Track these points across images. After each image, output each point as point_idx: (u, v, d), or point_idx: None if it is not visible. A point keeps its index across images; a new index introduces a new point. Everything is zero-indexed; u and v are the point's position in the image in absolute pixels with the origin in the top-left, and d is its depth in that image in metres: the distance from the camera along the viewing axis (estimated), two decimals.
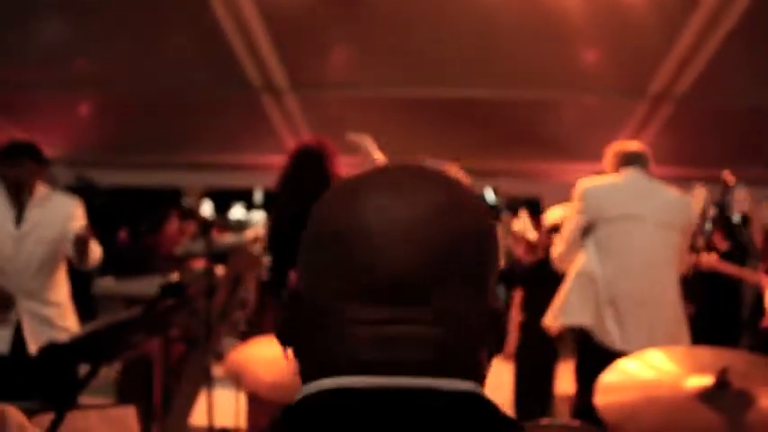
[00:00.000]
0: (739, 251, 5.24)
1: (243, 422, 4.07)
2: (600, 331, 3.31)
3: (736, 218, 5.31)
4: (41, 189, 3.72)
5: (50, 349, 3.45)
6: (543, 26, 5.02)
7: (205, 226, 3.88)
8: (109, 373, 4.03)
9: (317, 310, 0.72)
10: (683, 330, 3.40)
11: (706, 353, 2.15)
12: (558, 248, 3.58)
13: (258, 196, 17.39)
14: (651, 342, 2.91)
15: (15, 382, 3.44)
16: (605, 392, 2.04)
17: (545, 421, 1.96)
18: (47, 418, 1.68)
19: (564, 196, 5.45)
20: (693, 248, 4.31)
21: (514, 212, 5.70)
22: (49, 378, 3.39)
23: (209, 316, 3.23)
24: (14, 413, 1.38)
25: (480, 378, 0.73)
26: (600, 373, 2.13)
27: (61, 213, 3.69)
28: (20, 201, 3.62)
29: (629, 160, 3.50)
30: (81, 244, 3.48)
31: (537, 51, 5.24)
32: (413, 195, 0.71)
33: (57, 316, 3.69)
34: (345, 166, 3.84)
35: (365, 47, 5.56)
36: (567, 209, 5.82)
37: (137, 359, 3.68)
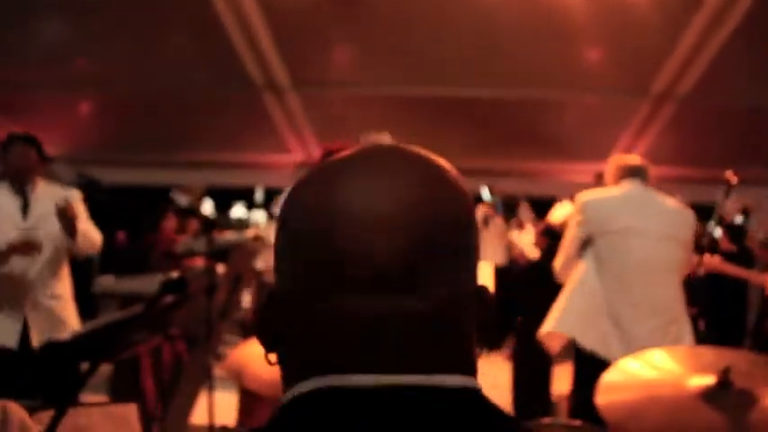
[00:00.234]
0: (745, 253, 5.22)
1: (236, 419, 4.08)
2: (598, 344, 3.29)
3: (738, 219, 5.30)
4: (43, 182, 3.74)
5: (52, 347, 3.45)
6: (545, 26, 5.01)
7: (207, 224, 3.87)
8: (103, 370, 4.03)
9: (300, 307, 0.68)
10: (687, 343, 3.38)
11: (708, 352, 2.13)
12: (558, 260, 3.57)
13: (259, 195, 17.41)
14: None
15: (21, 378, 3.44)
16: (607, 392, 2.03)
17: (547, 421, 1.96)
18: (47, 414, 1.67)
19: (565, 195, 5.45)
20: (697, 249, 4.30)
21: (512, 211, 5.70)
22: (50, 376, 3.39)
23: (209, 314, 3.22)
24: (16, 409, 1.37)
25: (472, 368, 0.70)
26: (596, 382, 2.12)
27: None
28: (24, 192, 3.63)
29: (629, 173, 3.47)
30: (65, 214, 3.46)
31: (538, 51, 5.24)
32: (393, 179, 0.68)
33: (60, 309, 3.69)
34: None
35: (367, 46, 5.56)
36: (564, 209, 5.83)
37: (129, 357, 3.67)
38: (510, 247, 5.48)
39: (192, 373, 3.47)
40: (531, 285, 4.97)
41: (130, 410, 1.97)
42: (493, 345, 0.75)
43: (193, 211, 6.19)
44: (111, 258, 4.72)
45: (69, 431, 1.66)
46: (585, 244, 3.40)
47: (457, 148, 6.29)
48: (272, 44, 5.41)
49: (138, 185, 7.14)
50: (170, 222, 5.72)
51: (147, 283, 4.45)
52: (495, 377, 5.19)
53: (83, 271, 3.90)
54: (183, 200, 7.59)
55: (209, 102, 6.18)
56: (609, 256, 3.32)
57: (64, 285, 3.73)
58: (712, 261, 4.43)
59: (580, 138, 6.12)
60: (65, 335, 3.52)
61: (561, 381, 4.32)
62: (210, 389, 3.30)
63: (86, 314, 4.39)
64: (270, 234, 6.15)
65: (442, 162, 0.73)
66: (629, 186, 3.44)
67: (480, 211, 6.02)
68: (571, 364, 3.59)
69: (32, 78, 5.85)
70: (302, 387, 0.67)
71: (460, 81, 5.61)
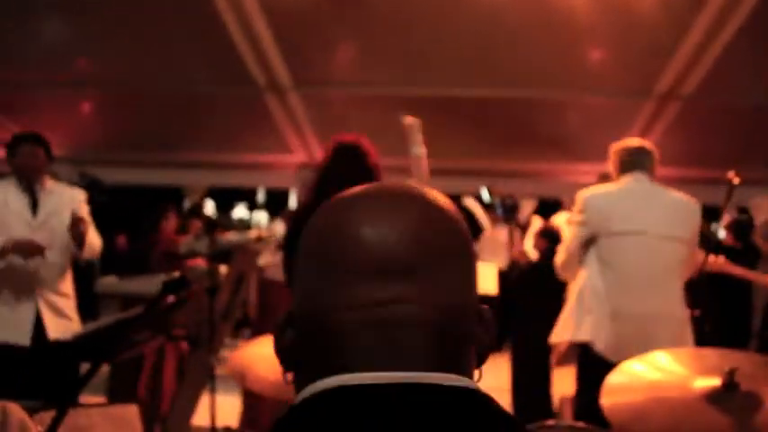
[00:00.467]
0: (750, 250, 5.19)
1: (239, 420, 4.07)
2: (601, 344, 3.28)
3: (743, 217, 5.28)
4: (50, 181, 3.76)
5: (53, 347, 3.45)
6: (547, 25, 4.99)
7: (210, 225, 3.86)
8: (102, 370, 4.03)
9: (310, 312, 0.75)
10: (688, 344, 3.36)
11: (713, 354, 2.12)
12: (559, 257, 3.55)
13: (261, 196, 17.42)
14: None
15: (23, 378, 3.44)
16: (612, 394, 2.02)
17: (550, 423, 1.95)
18: (48, 415, 1.66)
19: (568, 196, 5.44)
20: (701, 249, 4.28)
21: (512, 212, 5.69)
22: (51, 376, 3.39)
23: (211, 315, 3.22)
24: (15, 410, 1.37)
25: (470, 372, 0.75)
26: (600, 385, 2.10)
27: (71, 205, 3.71)
28: (33, 190, 3.65)
29: (631, 164, 3.41)
30: (77, 226, 3.49)
31: (541, 51, 5.22)
32: (399, 204, 0.76)
33: (69, 307, 3.73)
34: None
35: (369, 46, 5.55)
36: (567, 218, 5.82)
37: (129, 358, 3.68)
38: (510, 247, 5.47)
39: (195, 375, 3.47)
40: (531, 287, 4.96)
41: (131, 411, 1.97)
42: (491, 350, 0.80)
43: (196, 211, 6.19)
44: (112, 259, 4.71)
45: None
46: (588, 243, 3.37)
47: (459, 148, 6.28)
48: (273, 44, 5.40)
49: (140, 185, 7.14)
50: (170, 223, 5.70)
51: (149, 284, 4.44)
52: (495, 379, 5.20)
53: (84, 271, 3.91)
54: (185, 201, 7.59)
55: (211, 102, 6.17)
56: (611, 257, 3.30)
57: (69, 284, 3.77)
58: (717, 261, 4.41)
59: (583, 138, 6.10)
60: (70, 334, 3.54)
61: (564, 383, 4.31)
62: (212, 390, 3.30)
63: (88, 314, 4.40)
64: (272, 233, 6.15)
65: (443, 199, 0.81)
66: (631, 181, 3.40)
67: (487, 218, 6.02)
68: (574, 366, 3.57)
69: (33, 78, 5.85)
70: (312, 389, 0.72)
71: (463, 81, 5.60)
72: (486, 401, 0.72)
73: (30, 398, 3.23)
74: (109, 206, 4.21)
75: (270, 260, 5.27)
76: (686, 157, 5.85)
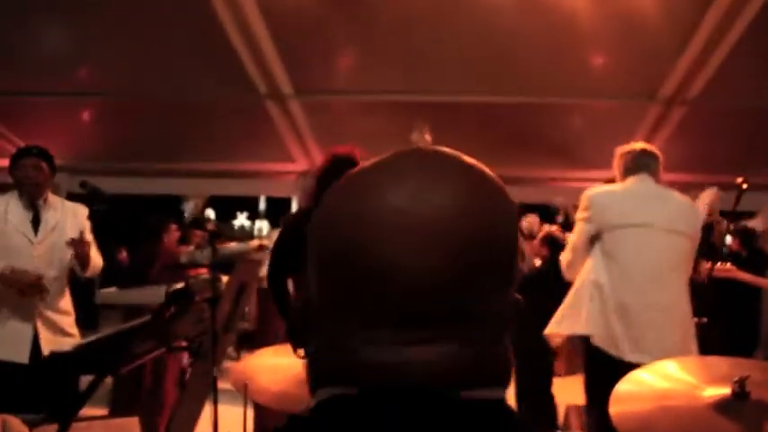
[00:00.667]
0: (756, 256, 5.17)
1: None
2: (607, 340, 3.26)
3: (753, 224, 5.26)
4: (51, 195, 3.73)
5: (53, 359, 3.43)
6: (552, 31, 4.98)
7: (212, 235, 3.84)
8: (105, 382, 4.01)
9: (330, 320, 0.66)
10: (691, 337, 3.35)
11: (721, 363, 2.10)
12: (565, 256, 3.54)
13: (262, 205, 17.41)
14: (659, 349, 2.86)
15: (26, 391, 3.41)
16: (620, 402, 1.99)
17: None
18: (50, 429, 1.65)
19: (573, 202, 5.39)
20: (708, 256, 4.26)
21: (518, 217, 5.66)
22: (52, 389, 3.36)
23: (213, 326, 3.19)
24: (15, 423, 1.35)
25: (501, 382, 0.67)
26: (609, 385, 2.08)
27: (73, 220, 3.69)
28: (35, 206, 3.62)
29: (636, 167, 3.43)
30: (80, 250, 3.47)
31: (545, 56, 5.21)
32: (431, 191, 0.62)
33: (68, 324, 3.69)
34: None
35: (370, 53, 5.54)
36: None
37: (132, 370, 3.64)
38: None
39: (196, 386, 3.44)
40: (532, 294, 4.93)
41: (131, 423, 1.95)
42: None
43: (198, 221, 6.16)
44: (113, 271, 4.69)
45: None
46: (593, 239, 3.37)
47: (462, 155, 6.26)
48: (274, 52, 5.40)
49: (141, 194, 7.11)
50: (171, 236, 5.65)
51: (151, 295, 4.42)
52: None
53: (84, 282, 3.89)
54: (187, 210, 7.56)
55: (212, 110, 6.17)
56: (616, 251, 3.30)
57: (68, 301, 3.73)
58: (725, 268, 4.39)
59: (587, 144, 6.08)
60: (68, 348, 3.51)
61: (571, 392, 4.29)
62: (215, 402, 3.27)
63: (88, 326, 4.37)
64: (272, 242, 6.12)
65: (482, 168, 0.68)
66: (635, 182, 3.41)
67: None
68: (580, 375, 3.55)
69: (33, 87, 5.85)
70: (327, 392, 0.66)
71: (465, 88, 5.59)
72: (509, 413, 0.67)
73: (31, 412, 3.21)
74: (110, 216, 4.19)
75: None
76: (691, 162, 5.82)
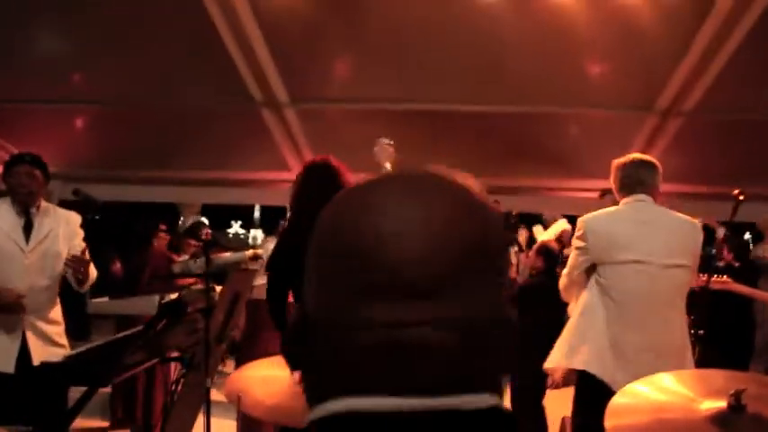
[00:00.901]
0: (749, 268, 5.18)
1: None
2: (601, 372, 3.23)
3: (747, 236, 5.27)
4: (44, 203, 3.70)
5: (44, 370, 3.38)
6: (549, 40, 4.97)
7: (207, 245, 3.82)
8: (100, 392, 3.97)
9: (328, 322, 0.69)
10: (687, 365, 3.32)
11: (718, 376, 2.09)
12: (562, 281, 3.51)
13: (257, 214, 17.40)
14: None
15: (15, 402, 3.37)
16: (616, 415, 1.98)
17: None
18: None
19: (569, 212, 5.39)
20: (704, 269, 4.25)
21: (512, 229, 5.67)
22: (41, 399, 3.32)
23: (207, 336, 3.17)
24: None
25: (498, 388, 0.70)
26: (598, 410, 2.06)
27: (65, 228, 3.65)
28: (27, 213, 3.58)
29: (632, 183, 3.35)
30: (77, 267, 3.44)
31: (542, 66, 5.20)
32: (426, 199, 0.69)
33: (57, 334, 3.65)
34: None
35: (366, 61, 5.54)
36: (559, 225, 5.79)
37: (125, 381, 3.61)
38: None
39: (189, 397, 3.42)
40: (527, 306, 4.93)
41: None
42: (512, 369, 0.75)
43: (193, 229, 6.12)
44: (105, 280, 4.65)
45: None
46: (589, 270, 3.33)
47: (458, 164, 6.22)
48: (270, 60, 5.39)
49: (134, 202, 7.07)
50: (161, 241, 5.61)
51: (143, 304, 4.39)
52: None
53: (76, 291, 3.85)
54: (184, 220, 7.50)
55: (208, 118, 6.15)
56: (611, 288, 3.25)
57: (58, 310, 3.69)
58: (721, 280, 4.38)
59: (584, 154, 6.07)
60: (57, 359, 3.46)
61: (566, 404, 4.27)
62: (208, 413, 3.24)
63: (80, 336, 4.34)
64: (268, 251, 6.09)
65: (473, 185, 0.74)
66: (632, 203, 3.34)
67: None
68: (572, 388, 3.53)
69: (27, 94, 5.82)
70: (323, 410, 0.67)
71: (461, 96, 5.58)
72: (508, 419, 0.69)
73: (19, 423, 3.18)
74: (103, 224, 4.16)
75: (261, 280, 5.21)
76: (688, 173, 5.82)
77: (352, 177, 3.35)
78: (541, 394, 4.72)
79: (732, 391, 1.86)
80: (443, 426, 0.65)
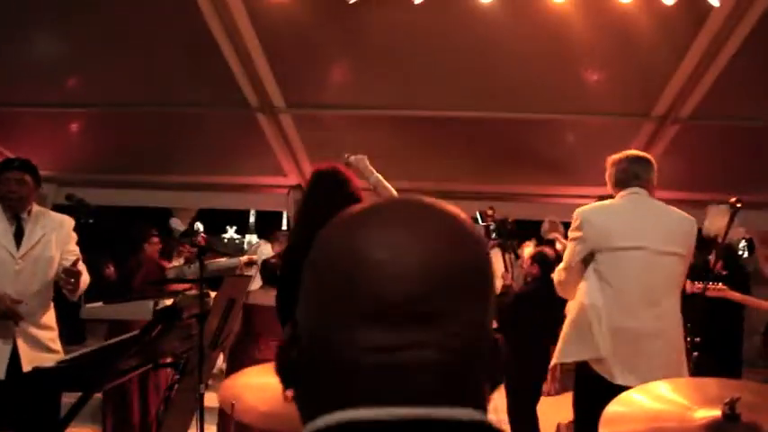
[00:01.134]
0: (738, 276, 5.17)
1: None
2: (598, 363, 3.23)
3: (741, 243, 5.27)
4: (36, 207, 3.67)
5: (35, 375, 3.36)
6: (545, 46, 4.97)
7: (201, 250, 3.79)
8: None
9: (322, 343, 0.72)
10: (683, 363, 3.32)
11: (713, 384, 2.09)
12: (558, 275, 3.51)
13: (252, 219, 17.37)
14: (650, 374, 2.83)
15: (6, 408, 3.35)
16: (611, 424, 1.98)
17: None
18: None
19: (565, 219, 5.37)
20: (700, 276, 4.25)
21: (508, 236, 5.66)
22: (33, 405, 3.29)
23: (201, 342, 3.15)
24: None
25: (483, 405, 0.74)
26: (597, 405, 2.06)
27: (59, 233, 3.63)
28: (18, 219, 3.56)
29: (627, 178, 3.38)
30: (70, 278, 3.41)
31: (539, 72, 5.20)
32: (419, 227, 0.73)
33: (50, 339, 3.61)
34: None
35: (362, 67, 5.53)
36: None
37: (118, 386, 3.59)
38: (503, 275, 5.46)
39: (183, 403, 3.40)
40: (523, 313, 4.92)
41: None
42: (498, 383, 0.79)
43: (188, 234, 6.09)
44: (99, 285, 4.63)
45: None
46: (586, 260, 3.33)
47: (454, 171, 6.25)
48: (266, 66, 5.38)
49: (128, 207, 7.04)
50: (153, 245, 5.58)
51: (137, 310, 4.37)
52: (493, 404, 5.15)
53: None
54: (177, 225, 7.47)
55: (203, 123, 6.14)
56: (609, 275, 3.26)
57: (51, 316, 3.66)
58: (717, 287, 4.38)
59: (580, 160, 6.07)
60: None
61: (561, 409, 4.26)
62: (201, 419, 3.23)
63: (74, 341, 4.32)
64: (261, 257, 6.07)
65: (459, 214, 0.78)
66: (628, 196, 3.36)
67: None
68: (570, 392, 3.52)
69: (24, 97, 5.81)
70: (318, 423, 0.70)
71: (458, 102, 5.58)
72: None
73: (11, 430, 3.15)
74: (96, 227, 4.14)
75: (256, 285, 5.19)
76: (684, 180, 5.83)
77: (361, 184, 3.32)
78: (536, 400, 4.72)
79: (727, 400, 1.85)
80: None
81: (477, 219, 5.52)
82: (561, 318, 3.57)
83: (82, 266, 3.54)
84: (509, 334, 4.92)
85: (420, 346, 0.69)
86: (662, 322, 3.24)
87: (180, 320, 2.86)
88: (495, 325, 0.79)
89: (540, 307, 4.73)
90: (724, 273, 5.15)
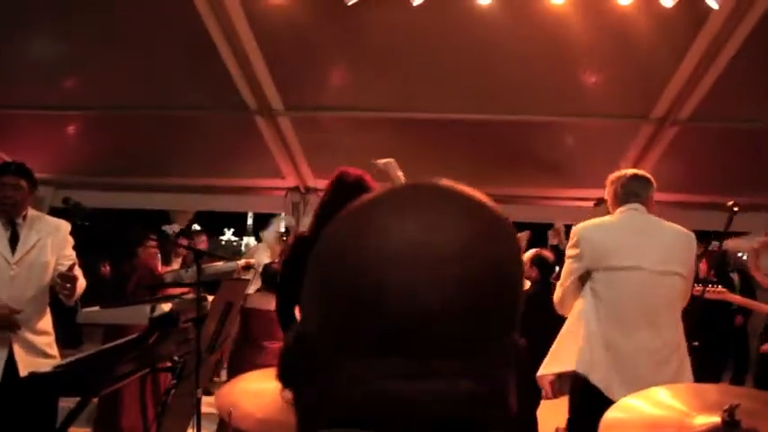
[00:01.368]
0: (725, 282, 5.18)
1: None
2: (596, 377, 3.21)
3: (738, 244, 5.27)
4: (32, 211, 3.65)
5: (32, 380, 3.35)
6: (544, 49, 4.96)
7: (197, 253, 3.78)
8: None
9: (326, 357, 0.62)
10: (685, 370, 3.30)
11: (712, 390, 2.08)
12: (556, 294, 3.49)
13: (250, 221, 17.34)
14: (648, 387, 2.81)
15: (3, 413, 3.33)
16: (610, 429, 1.97)
17: None
18: None
19: (564, 221, 5.36)
20: (697, 281, 4.24)
21: None
22: (29, 411, 3.28)
23: (198, 346, 3.14)
24: None
25: (508, 425, 0.66)
26: (593, 415, 2.05)
27: (55, 237, 3.61)
28: (13, 224, 3.54)
29: (626, 195, 3.36)
30: (66, 285, 3.39)
31: (538, 74, 5.18)
32: (439, 223, 0.61)
33: (46, 345, 3.59)
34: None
35: (361, 69, 5.52)
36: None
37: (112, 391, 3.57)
38: None
39: (180, 407, 3.38)
40: (522, 316, 4.90)
41: None
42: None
43: (185, 236, 6.09)
44: (96, 291, 4.60)
45: None
46: (583, 277, 3.31)
47: (453, 173, 6.18)
48: (264, 68, 5.37)
49: (126, 210, 7.02)
50: (148, 249, 5.56)
51: (134, 314, 4.35)
52: None
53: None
54: (173, 228, 7.45)
55: (202, 126, 6.12)
56: (607, 292, 3.23)
57: (48, 321, 3.64)
58: (717, 290, 4.38)
59: (580, 162, 6.06)
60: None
61: (559, 414, 4.25)
62: (198, 424, 3.21)
63: (71, 345, 4.30)
64: (259, 260, 6.05)
65: (488, 201, 0.66)
66: (626, 212, 3.34)
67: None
68: (565, 399, 3.51)
69: (17, 100, 5.79)
70: None
71: (456, 105, 5.57)
72: None
73: None
74: (93, 231, 4.13)
75: (254, 288, 5.17)
76: (683, 182, 5.82)
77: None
78: (536, 404, 4.70)
79: (726, 407, 1.84)
80: None
81: None
82: (561, 321, 3.56)
83: (78, 271, 3.51)
84: None
85: (441, 374, 0.59)
86: (660, 341, 3.21)
87: (176, 324, 2.84)
88: None
89: (539, 310, 4.70)
90: (712, 278, 5.16)
